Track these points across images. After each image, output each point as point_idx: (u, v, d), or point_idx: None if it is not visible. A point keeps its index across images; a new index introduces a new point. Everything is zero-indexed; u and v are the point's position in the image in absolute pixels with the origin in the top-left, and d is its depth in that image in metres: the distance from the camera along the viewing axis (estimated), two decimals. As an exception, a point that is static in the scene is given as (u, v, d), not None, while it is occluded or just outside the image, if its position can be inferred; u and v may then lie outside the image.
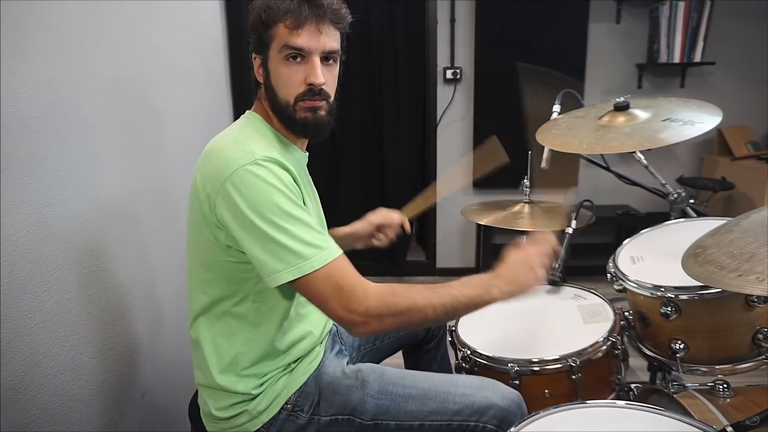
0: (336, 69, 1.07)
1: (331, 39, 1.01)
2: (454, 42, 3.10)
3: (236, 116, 2.64)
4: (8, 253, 0.94)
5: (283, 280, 0.90)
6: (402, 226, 1.42)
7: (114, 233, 1.31)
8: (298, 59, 0.99)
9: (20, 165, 0.98)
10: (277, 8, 0.98)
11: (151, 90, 1.56)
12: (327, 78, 1.02)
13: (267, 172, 0.92)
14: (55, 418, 1.05)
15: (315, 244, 0.91)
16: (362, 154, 3.34)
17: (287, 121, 1.04)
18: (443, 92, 3.18)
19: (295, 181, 0.98)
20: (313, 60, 1.00)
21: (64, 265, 1.10)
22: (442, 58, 3.13)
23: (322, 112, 1.04)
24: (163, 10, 1.66)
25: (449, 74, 3.13)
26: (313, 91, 1.01)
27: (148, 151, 1.53)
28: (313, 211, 1.11)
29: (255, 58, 1.06)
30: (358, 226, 1.39)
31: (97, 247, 1.23)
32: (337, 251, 0.94)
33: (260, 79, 1.06)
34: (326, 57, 1.02)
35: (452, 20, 3.07)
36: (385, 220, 1.39)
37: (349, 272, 0.93)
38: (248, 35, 1.05)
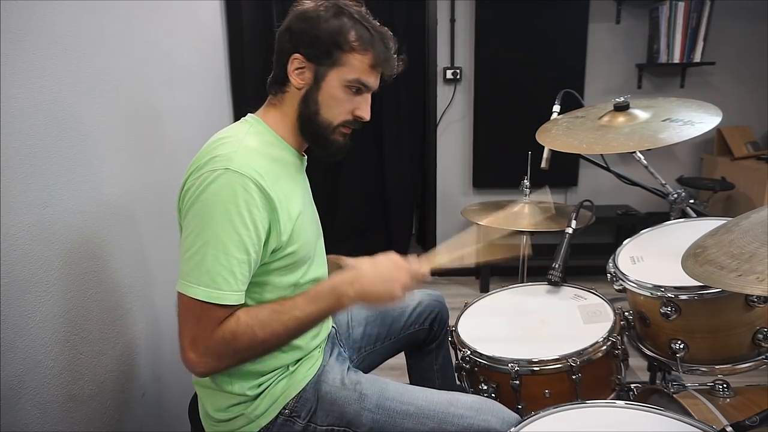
0: None
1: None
2: (454, 42, 3.10)
3: (236, 116, 2.64)
4: (8, 253, 0.94)
5: (178, 287, 0.91)
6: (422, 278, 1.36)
7: (114, 233, 1.30)
8: (356, 90, 1.02)
9: (20, 165, 0.98)
10: (362, 38, 1.00)
11: (151, 90, 1.56)
12: None
13: (231, 184, 0.90)
14: (55, 418, 1.05)
15: (212, 278, 0.89)
16: (362, 154, 3.34)
17: (319, 139, 1.05)
18: (443, 92, 3.18)
19: (269, 203, 0.94)
20: (367, 97, 1.05)
21: (64, 265, 1.10)
22: (442, 58, 3.13)
23: (348, 138, 1.08)
24: (163, 10, 1.66)
25: (449, 74, 3.13)
26: (357, 123, 1.06)
27: (148, 151, 1.53)
28: (308, 214, 1.09)
29: (298, 59, 1.01)
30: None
31: (97, 247, 1.23)
32: (227, 299, 0.90)
33: (297, 84, 1.02)
34: None
35: (452, 20, 3.07)
36: (403, 268, 1.32)
37: (216, 317, 0.91)
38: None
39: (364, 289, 0.96)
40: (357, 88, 1.02)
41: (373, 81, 1.04)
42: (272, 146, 1.04)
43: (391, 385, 1.09)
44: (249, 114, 1.09)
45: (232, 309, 0.93)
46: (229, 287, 0.90)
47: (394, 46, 1.06)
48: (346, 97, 1.02)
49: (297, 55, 1.01)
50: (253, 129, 1.04)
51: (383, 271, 0.98)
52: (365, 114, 1.05)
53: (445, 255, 1.10)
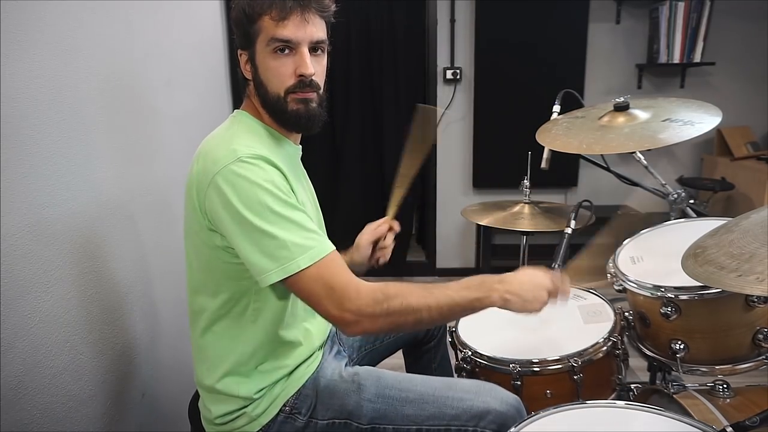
0: (324, 60, 1.05)
1: (318, 28, 1.00)
2: (454, 42, 3.10)
3: (236, 116, 2.59)
4: (8, 253, 0.94)
5: (272, 279, 0.90)
6: (392, 229, 1.38)
7: (114, 233, 1.30)
8: (286, 51, 0.98)
9: (20, 165, 0.98)
10: (261, 1, 0.97)
11: (151, 90, 1.56)
12: (316, 69, 1.01)
13: (251, 170, 0.91)
14: (55, 419, 1.05)
15: (300, 244, 0.90)
16: (362, 154, 3.34)
17: (279, 115, 1.03)
18: (443, 92, 3.18)
19: (284, 176, 0.96)
20: (302, 51, 0.98)
21: (64, 265, 1.10)
22: (442, 58, 3.13)
23: (314, 104, 1.03)
24: (163, 10, 1.66)
25: (449, 74, 3.13)
26: (304, 83, 1.00)
27: (148, 151, 1.52)
28: (310, 205, 1.10)
29: (241, 55, 1.04)
30: (355, 256, 1.34)
31: (97, 248, 1.23)
32: (326, 248, 0.92)
33: (248, 76, 1.04)
34: (314, 47, 1.01)
35: (452, 20, 3.07)
36: (376, 234, 1.35)
37: (340, 270, 0.92)
38: (234, 31, 1.04)
39: (512, 289, 0.96)
40: (281, 47, 0.98)
41: (290, 32, 0.97)
42: (262, 136, 1.05)
43: (388, 374, 1.10)
44: (236, 110, 1.10)
45: (339, 257, 0.94)
46: (316, 241, 0.92)
47: None
48: (278, 62, 0.99)
49: (240, 51, 1.05)
50: (241, 122, 1.05)
51: (533, 278, 0.99)
52: (305, 68, 0.98)
53: (580, 266, 1.13)
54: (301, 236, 0.91)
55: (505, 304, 0.96)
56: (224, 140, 0.98)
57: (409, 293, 0.92)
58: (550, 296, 0.99)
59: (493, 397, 1.03)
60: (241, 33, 1.02)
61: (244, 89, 1.09)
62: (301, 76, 0.99)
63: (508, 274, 0.99)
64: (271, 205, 0.90)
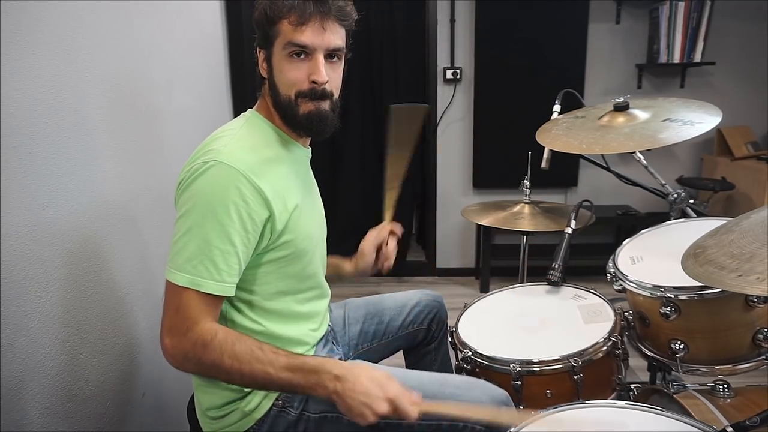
0: (340, 67, 1.06)
1: (336, 36, 1.00)
2: (454, 42, 3.10)
3: (236, 116, 2.62)
4: (8, 253, 0.94)
5: (166, 274, 0.94)
6: (394, 233, 1.37)
7: (114, 233, 1.30)
8: (302, 56, 0.99)
9: (20, 165, 0.98)
10: (281, 4, 0.98)
11: (151, 90, 1.56)
12: (331, 76, 1.02)
13: (218, 177, 0.92)
14: (55, 418, 1.05)
15: (196, 266, 0.91)
16: (362, 154, 3.35)
17: (290, 118, 1.04)
18: (443, 92, 3.18)
19: (259, 193, 0.95)
20: (317, 57, 0.99)
21: (64, 265, 1.10)
22: (442, 58, 3.13)
23: (326, 107, 1.03)
24: (163, 10, 1.66)
25: (449, 74, 3.13)
26: (316, 91, 1.00)
27: (148, 151, 1.52)
28: (309, 210, 1.10)
29: (259, 53, 1.05)
30: (360, 263, 1.33)
31: (97, 247, 1.23)
32: (208, 287, 0.92)
33: (264, 74, 1.06)
34: (330, 54, 1.01)
35: (452, 20, 3.07)
36: (378, 239, 1.34)
37: (198, 308, 0.92)
38: (253, 31, 1.05)
39: (343, 392, 0.87)
40: (297, 51, 0.98)
41: (307, 38, 0.97)
42: (269, 138, 1.06)
43: (380, 369, 1.09)
44: (249, 109, 1.11)
45: (214, 300, 0.94)
46: (209, 276, 0.92)
47: (327, 2, 0.99)
48: (292, 66, 1.00)
49: (258, 50, 1.05)
50: (249, 123, 1.06)
51: (371, 392, 0.87)
52: (317, 75, 0.99)
53: (442, 407, 0.97)
54: (202, 261, 0.91)
55: (332, 401, 0.89)
56: (220, 136, 1.00)
57: (227, 353, 0.89)
58: (382, 414, 0.87)
59: (483, 392, 1.04)
60: (261, 33, 1.03)
61: (259, 88, 1.09)
62: (313, 82, 1.00)
63: (350, 370, 0.89)
64: (206, 218, 0.91)
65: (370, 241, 1.33)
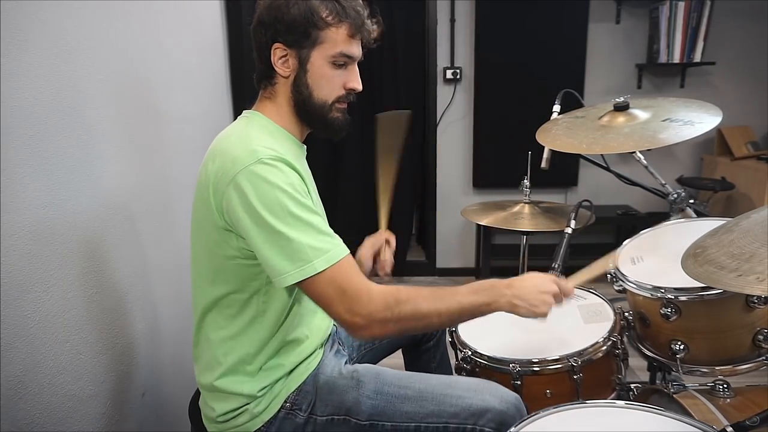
0: None
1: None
2: (454, 42, 3.10)
3: (236, 116, 2.62)
4: (8, 253, 0.94)
5: (288, 281, 0.90)
6: (389, 242, 1.36)
7: (114, 233, 1.30)
8: (344, 65, 1.04)
9: (20, 165, 0.98)
10: (342, 12, 1.00)
11: (151, 90, 1.56)
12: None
13: (272, 172, 0.92)
14: (55, 418, 1.05)
15: (317, 247, 0.91)
16: (362, 154, 3.34)
17: (317, 119, 1.06)
18: (443, 92, 3.18)
19: (302, 178, 0.98)
20: (354, 68, 1.06)
21: (64, 265, 1.10)
22: (442, 58, 3.13)
23: (346, 114, 1.09)
24: (163, 10, 1.66)
25: (449, 74, 3.13)
26: (350, 96, 1.07)
27: (148, 151, 1.52)
28: (319, 206, 1.11)
29: (280, 50, 1.02)
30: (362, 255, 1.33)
31: (97, 247, 1.23)
32: (341, 252, 0.93)
33: (284, 73, 1.04)
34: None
35: (452, 20, 3.07)
36: (374, 247, 1.34)
37: (353, 274, 0.93)
38: (274, 25, 1.00)
39: (520, 294, 0.98)
40: (343, 62, 1.03)
41: (356, 50, 1.04)
42: (275, 137, 1.05)
43: (387, 372, 1.10)
44: (245, 111, 1.10)
45: (353, 262, 0.96)
46: (331, 244, 0.93)
47: (366, 10, 1.06)
48: (334, 72, 1.03)
49: (277, 45, 1.01)
50: (254, 123, 1.05)
51: (538, 282, 1.02)
52: (357, 84, 1.06)
53: (584, 274, 1.16)
54: (318, 239, 0.92)
55: (512, 309, 0.98)
56: (242, 140, 0.98)
57: (420, 298, 0.94)
58: (556, 299, 1.02)
59: (493, 395, 1.03)
60: (298, 32, 1.00)
61: (261, 83, 1.08)
62: (350, 90, 1.06)
63: (515, 279, 1.02)
64: (290, 207, 0.91)
65: (366, 248, 1.34)
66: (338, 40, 1.01)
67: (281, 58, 1.03)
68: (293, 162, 0.96)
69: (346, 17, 1.00)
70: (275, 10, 1.00)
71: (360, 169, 3.36)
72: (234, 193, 0.92)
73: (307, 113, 1.06)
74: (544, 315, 1.00)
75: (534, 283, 1.02)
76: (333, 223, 1.24)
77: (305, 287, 0.92)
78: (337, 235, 0.97)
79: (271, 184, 0.91)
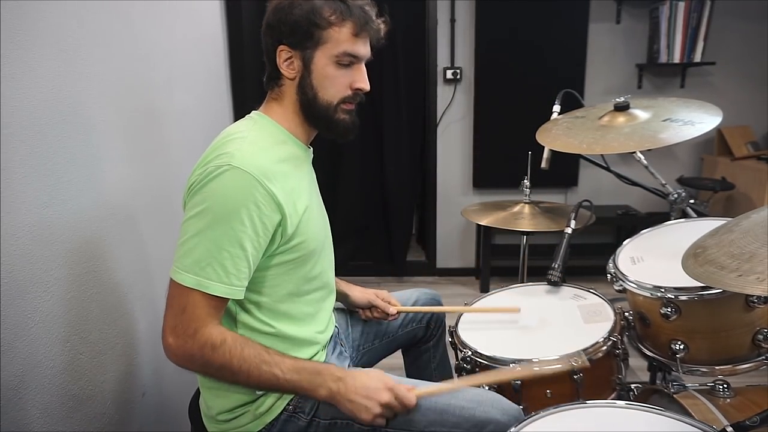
0: None
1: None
2: (454, 42, 3.10)
3: (236, 116, 2.61)
4: (8, 253, 0.94)
5: (171, 273, 0.93)
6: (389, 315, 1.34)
7: (114, 233, 1.30)
8: (349, 65, 1.02)
9: (20, 165, 0.98)
10: (339, 11, 0.98)
11: (151, 90, 1.56)
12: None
13: (232, 181, 0.91)
14: (55, 418, 1.05)
15: (207, 269, 0.91)
16: (362, 154, 3.34)
17: (323, 120, 1.05)
18: (443, 92, 3.18)
19: (272, 198, 0.94)
20: (362, 67, 1.04)
21: (64, 265, 1.10)
22: (442, 58, 3.13)
23: (354, 115, 1.07)
24: (163, 10, 1.66)
25: (449, 74, 3.13)
26: (357, 96, 1.05)
27: (148, 151, 1.52)
28: (315, 210, 1.10)
29: (285, 52, 1.02)
30: (357, 293, 1.33)
31: (97, 247, 1.23)
32: (215, 290, 0.91)
33: (289, 74, 1.03)
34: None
35: (452, 20, 3.07)
36: (381, 304, 1.33)
37: (203, 308, 0.92)
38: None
39: (345, 391, 0.94)
40: (348, 61, 1.01)
41: (362, 49, 1.02)
42: (279, 141, 1.05)
43: (392, 378, 1.09)
44: (253, 111, 1.10)
45: (220, 303, 0.94)
46: (218, 278, 0.91)
47: (374, 8, 1.04)
48: (339, 72, 1.02)
49: (282, 47, 1.02)
50: (258, 125, 1.05)
51: (370, 385, 0.95)
52: (364, 84, 1.04)
53: (434, 388, 1.04)
54: (211, 263, 0.91)
55: (333, 402, 0.95)
56: (233, 138, 0.98)
57: (239, 357, 0.92)
58: (383, 409, 0.94)
59: (495, 407, 1.02)
60: (301, 33, 1.00)
61: (271, 87, 1.08)
62: (357, 90, 1.04)
63: (351, 372, 0.97)
64: (218, 222, 0.90)
65: (377, 298, 1.34)
66: (341, 39, 0.99)
67: (286, 60, 1.02)
68: (271, 179, 0.94)
69: (350, 15, 0.99)
70: (279, 12, 1.01)
71: (360, 169, 3.36)
72: (199, 175, 0.93)
73: (313, 115, 1.05)
74: (364, 421, 0.94)
75: (365, 384, 0.95)
76: (333, 223, 1.24)
77: (170, 283, 0.93)
78: (234, 276, 0.93)
79: (230, 190, 0.91)
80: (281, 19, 1.00)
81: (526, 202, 1.84)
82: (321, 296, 1.15)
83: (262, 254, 0.97)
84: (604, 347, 1.22)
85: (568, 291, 1.48)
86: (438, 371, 1.47)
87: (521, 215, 1.80)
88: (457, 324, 1.38)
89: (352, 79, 1.03)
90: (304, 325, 1.10)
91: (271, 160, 0.98)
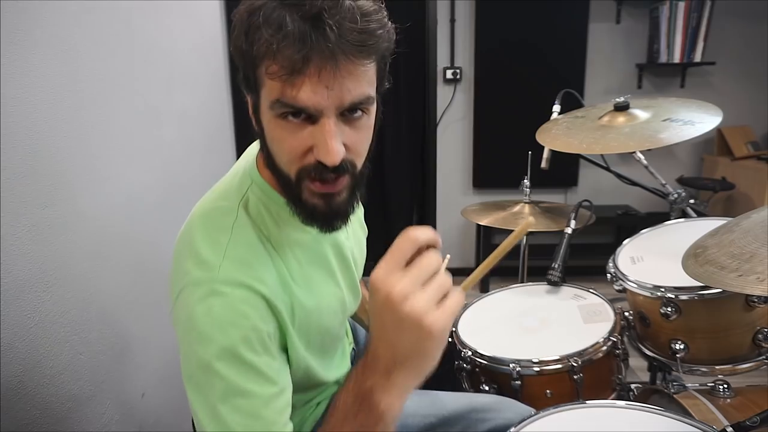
0: (369, 121, 0.70)
1: (358, 82, 0.64)
2: (454, 42, 3.10)
3: (236, 116, 2.61)
4: (8, 253, 0.94)
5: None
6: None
7: (114, 233, 1.30)
8: (302, 119, 0.65)
9: (20, 165, 0.98)
10: (260, 37, 0.61)
11: (151, 90, 1.56)
12: (352, 140, 0.67)
13: (222, 309, 0.68)
14: (55, 419, 1.05)
15: (257, 415, 0.67)
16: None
17: (292, 201, 0.73)
18: (443, 92, 3.18)
19: (267, 303, 0.71)
20: (324, 124, 0.64)
21: (64, 265, 1.10)
22: (442, 58, 3.13)
23: (342, 197, 0.71)
24: (163, 10, 1.66)
25: (449, 74, 3.13)
26: (325, 171, 0.67)
27: (148, 151, 1.52)
28: (327, 299, 0.84)
29: (247, 96, 0.73)
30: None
31: (97, 247, 1.23)
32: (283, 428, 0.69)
33: (256, 128, 0.74)
34: (352, 109, 0.66)
35: (452, 20, 3.07)
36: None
37: None
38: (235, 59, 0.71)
39: (402, 386, 0.61)
40: (289, 112, 0.64)
41: (307, 96, 0.62)
42: (279, 217, 0.78)
43: (409, 403, 0.75)
44: (249, 160, 0.82)
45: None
46: (275, 416, 0.68)
47: (333, 29, 0.60)
48: (286, 132, 0.66)
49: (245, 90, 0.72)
50: (253, 196, 0.78)
51: (414, 348, 0.60)
52: (326, 155, 0.64)
53: (471, 277, 0.78)
54: (249, 424, 0.66)
55: (401, 400, 0.62)
56: (210, 238, 0.73)
57: None
58: (442, 331, 0.59)
59: (513, 412, 1.01)
60: (242, 71, 0.69)
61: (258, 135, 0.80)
62: (319, 161, 0.66)
63: (387, 363, 0.61)
64: (229, 368, 0.66)
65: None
66: (274, 83, 0.63)
67: (252, 112, 0.73)
68: (267, 290, 0.71)
69: (282, 41, 0.60)
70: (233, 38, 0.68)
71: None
72: (175, 315, 0.73)
73: (282, 189, 0.74)
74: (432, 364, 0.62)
75: (407, 354, 0.60)
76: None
77: None
78: (277, 412, 0.69)
79: (223, 320, 0.68)
80: (232, 52, 0.69)
81: (526, 202, 1.84)
82: (334, 354, 0.97)
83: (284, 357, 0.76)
84: (604, 347, 1.22)
85: (568, 291, 1.48)
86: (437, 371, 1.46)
87: (521, 215, 1.80)
88: (457, 324, 1.38)
89: (309, 143, 0.66)
90: (318, 380, 0.90)
91: (266, 254, 0.75)
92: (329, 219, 0.73)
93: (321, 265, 0.85)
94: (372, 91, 0.67)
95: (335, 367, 0.96)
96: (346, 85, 0.63)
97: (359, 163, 0.71)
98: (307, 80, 0.61)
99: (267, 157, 0.73)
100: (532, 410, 1.04)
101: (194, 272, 0.71)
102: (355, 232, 0.99)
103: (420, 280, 0.58)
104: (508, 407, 1.03)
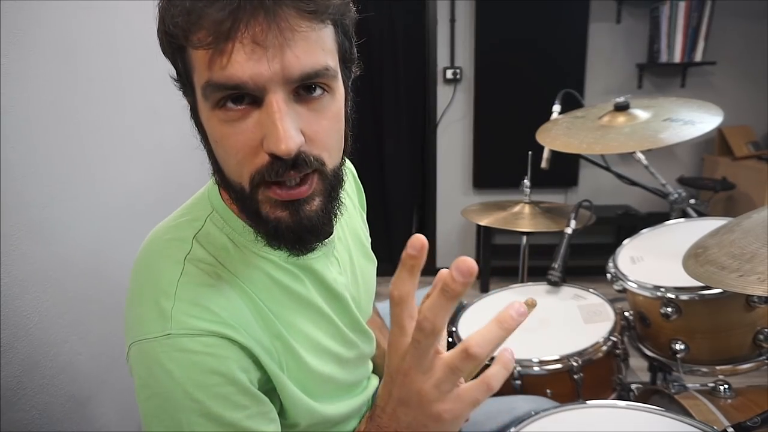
0: (336, 103, 0.57)
1: (308, 48, 0.51)
2: (454, 42, 3.10)
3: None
4: (8, 253, 0.94)
5: None
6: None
7: (114, 233, 1.30)
8: (245, 103, 0.52)
9: (20, 165, 0.98)
10: (181, 9, 0.50)
11: (151, 90, 1.56)
12: (313, 127, 0.54)
13: (184, 363, 0.58)
14: (54, 419, 1.05)
15: None
16: (362, 154, 3.34)
17: (250, 218, 0.61)
18: (443, 92, 3.18)
19: (242, 348, 0.60)
20: (270, 102, 0.51)
21: (64, 265, 1.10)
22: (442, 58, 3.13)
23: (313, 206, 0.57)
24: (163, 10, 1.66)
25: (449, 74, 3.13)
26: (281, 169, 0.53)
27: (148, 151, 1.52)
28: (317, 340, 0.70)
29: (186, 100, 0.62)
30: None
31: (97, 247, 1.23)
32: None
33: (198, 136, 0.62)
34: (307, 86, 0.53)
35: (452, 20, 3.07)
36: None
37: None
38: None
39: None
40: (226, 96, 0.52)
41: (240, 65, 0.49)
42: (245, 249, 0.64)
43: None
44: (211, 189, 0.68)
45: None
46: None
47: None
48: (227, 127, 0.53)
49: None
50: (214, 226, 0.65)
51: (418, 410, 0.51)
52: (272, 141, 0.51)
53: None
54: None
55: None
56: (162, 279, 0.65)
57: None
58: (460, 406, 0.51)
59: (535, 403, 1.00)
60: (174, 65, 0.58)
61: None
62: (272, 155, 0.52)
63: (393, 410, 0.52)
64: (208, 406, 0.58)
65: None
66: (200, 59, 0.51)
67: (190, 113, 0.61)
68: (228, 332, 0.58)
69: (201, 9, 0.49)
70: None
71: (359, 169, 3.36)
72: (131, 371, 0.64)
73: (240, 206, 0.61)
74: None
75: (415, 414, 0.51)
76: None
77: None
78: None
79: (188, 376, 0.58)
80: (159, 41, 0.56)
81: (526, 202, 1.84)
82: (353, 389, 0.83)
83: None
84: (604, 347, 1.22)
85: (568, 291, 1.48)
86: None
87: (521, 215, 1.80)
88: (457, 324, 1.38)
89: (257, 135, 0.53)
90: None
91: (225, 295, 0.62)
92: (298, 235, 0.57)
93: (306, 306, 0.69)
94: (330, 62, 0.54)
95: (356, 408, 0.81)
96: (293, 50, 0.50)
97: (329, 159, 0.57)
98: (238, 44, 0.49)
99: (216, 171, 0.60)
100: (553, 403, 1.03)
101: (148, 323, 0.61)
102: (357, 262, 0.81)
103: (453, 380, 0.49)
104: (533, 406, 1.00)
